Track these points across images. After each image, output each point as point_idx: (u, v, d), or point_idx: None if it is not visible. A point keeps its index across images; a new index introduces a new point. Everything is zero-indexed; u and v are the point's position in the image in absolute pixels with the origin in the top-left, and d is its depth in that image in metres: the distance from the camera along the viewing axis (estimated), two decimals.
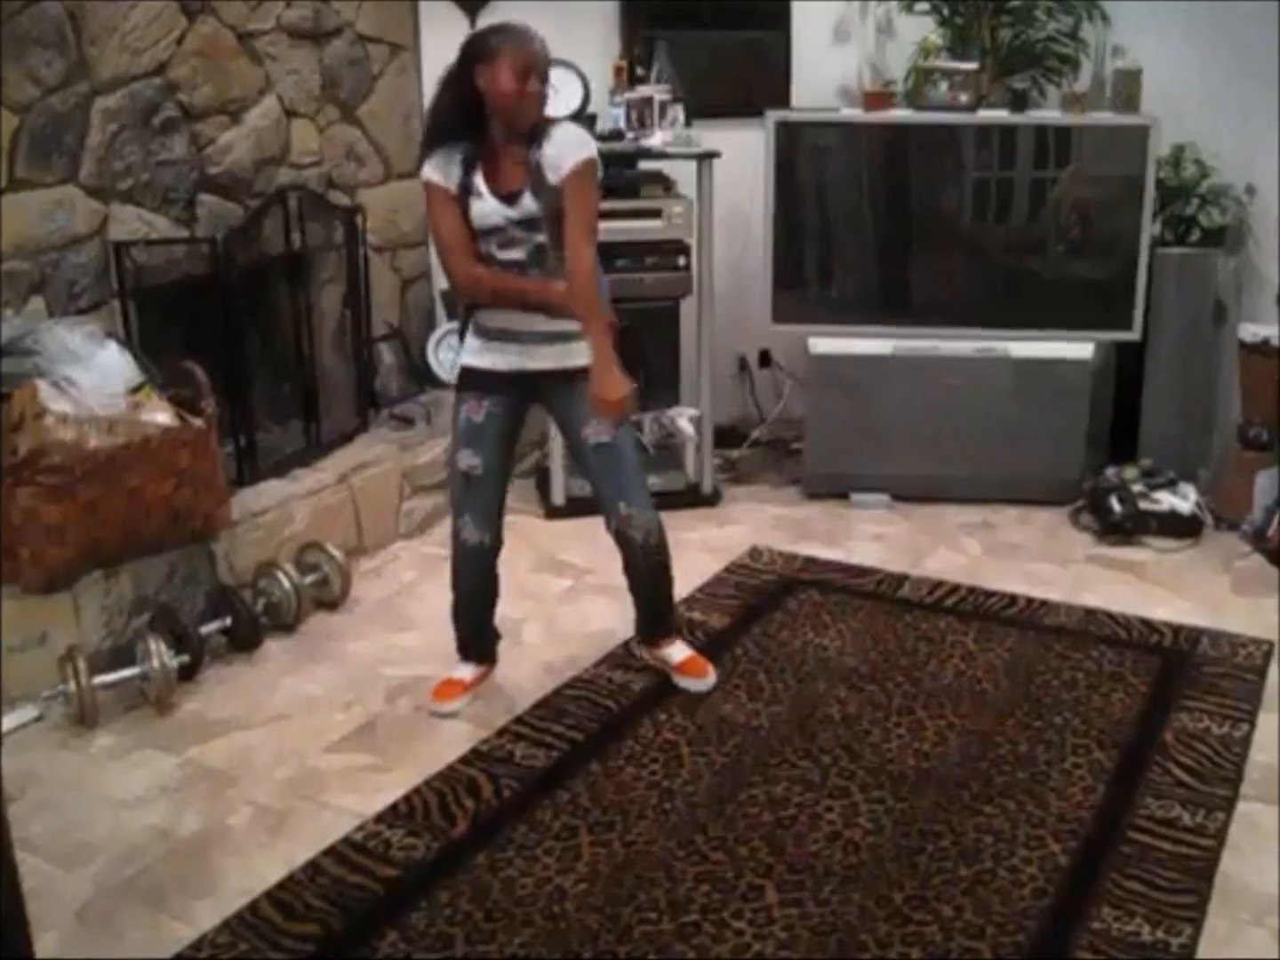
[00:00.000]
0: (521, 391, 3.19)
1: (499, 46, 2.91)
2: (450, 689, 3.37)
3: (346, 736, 3.26)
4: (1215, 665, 3.55)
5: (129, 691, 3.37)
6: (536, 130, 2.98)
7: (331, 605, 3.96)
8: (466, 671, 3.42)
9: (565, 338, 3.07)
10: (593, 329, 2.95)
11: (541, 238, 3.01)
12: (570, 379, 3.10)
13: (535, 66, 2.92)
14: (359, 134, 4.81)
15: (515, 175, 3.00)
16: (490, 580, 3.38)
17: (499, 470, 3.25)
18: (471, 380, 3.19)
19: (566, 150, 2.95)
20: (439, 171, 3.04)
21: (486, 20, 4.94)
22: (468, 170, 3.01)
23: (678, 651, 3.44)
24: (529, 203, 2.98)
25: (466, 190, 3.01)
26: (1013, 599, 3.97)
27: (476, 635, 3.44)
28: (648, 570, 3.33)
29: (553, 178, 2.95)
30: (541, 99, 2.97)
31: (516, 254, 3.04)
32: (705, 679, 3.40)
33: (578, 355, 3.05)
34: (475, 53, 2.94)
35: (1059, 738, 3.18)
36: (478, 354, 3.17)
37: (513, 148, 3.00)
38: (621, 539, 3.27)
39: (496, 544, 3.31)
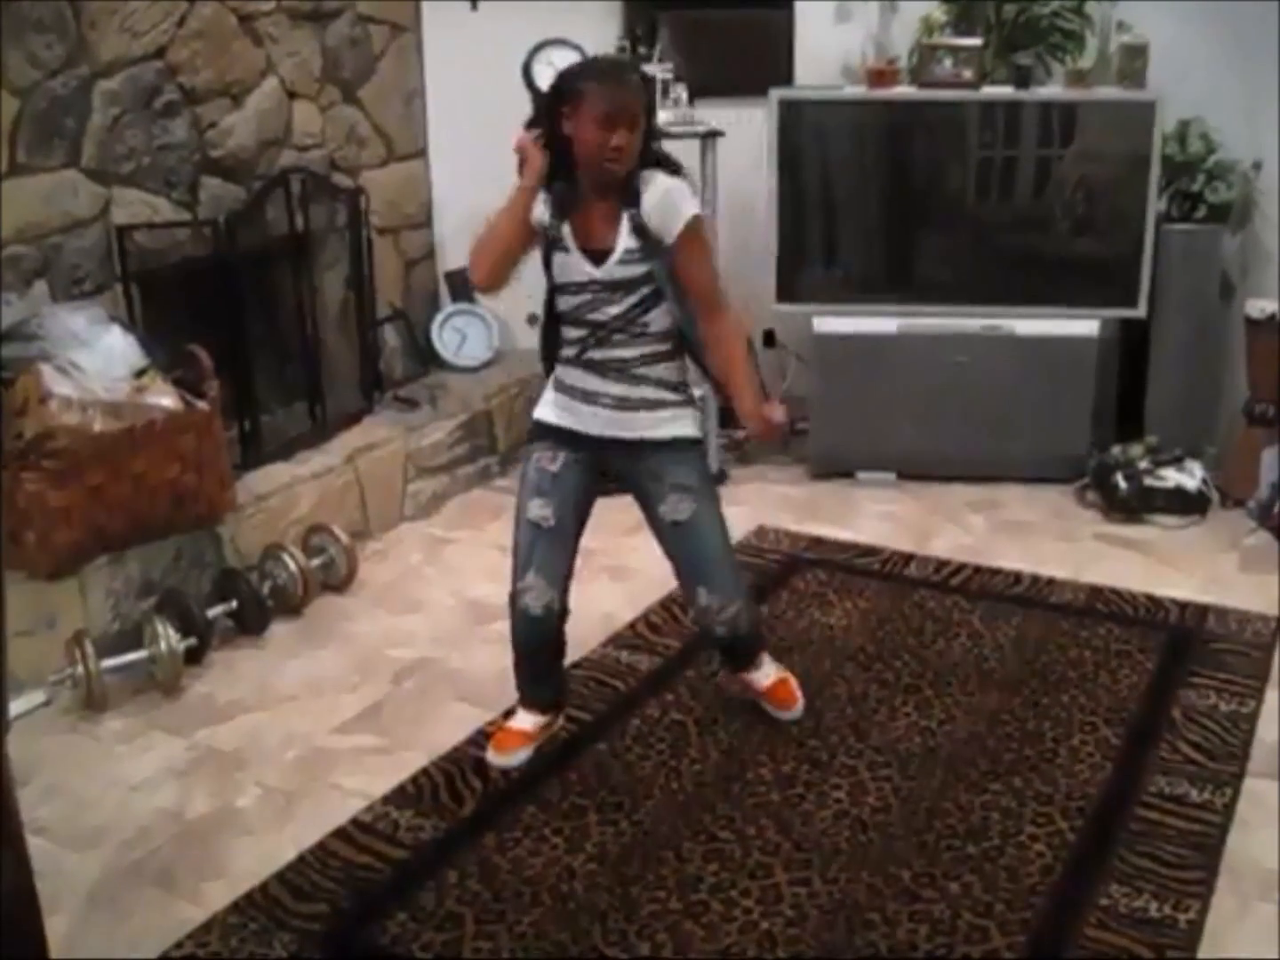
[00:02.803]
0: (595, 454, 2.86)
1: (583, 90, 2.59)
2: (510, 740, 3.02)
3: (354, 718, 3.26)
4: (1222, 642, 3.55)
5: (136, 675, 3.37)
6: (629, 182, 2.65)
7: (337, 588, 3.97)
8: (529, 721, 3.04)
9: (640, 405, 2.79)
10: (741, 373, 2.79)
11: (633, 299, 2.69)
12: (642, 451, 2.81)
13: (622, 115, 2.57)
14: (361, 115, 4.79)
15: (604, 232, 2.68)
16: (557, 643, 2.98)
17: (573, 526, 2.88)
18: (544, 433, 2.88)
19: (670, 210, 2.65)
20: (536, 209, 2.75)
21: (488, 1, 4.95)
22: (558, 217, 2.71)
23: (764, 676, 3.16)
24: (617, 268, 2.67)
25: (552, 239, 2.72)
26: (1019, 577, 3.97)
27: (540, 687, 3.06)
28: (735, 653, 3.13)
29: (666, 240, 2.65)
30: (629, 152, 2.60)
31: (600, 315, 2.72)
32: (793, 709, 3.16)
33: (654, 426, 2.80)
34: (561, 93, 2.64)
35: (1066, 715, 3.18)
36: (552, 409, 2.87)
37: (603, 201, 2.68)
38: (702, 631, 3.05)
39: (563, 611, 2.90)
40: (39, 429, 3.26)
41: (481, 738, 3.12)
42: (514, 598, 2.89)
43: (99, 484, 3.35)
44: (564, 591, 2.89)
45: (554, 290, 2.78)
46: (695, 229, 2.67)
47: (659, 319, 2.74)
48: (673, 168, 2.71)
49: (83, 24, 3.63)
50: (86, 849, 2.73)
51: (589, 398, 2.80)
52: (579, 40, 4.53)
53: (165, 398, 3.52)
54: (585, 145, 2.60)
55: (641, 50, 4.81)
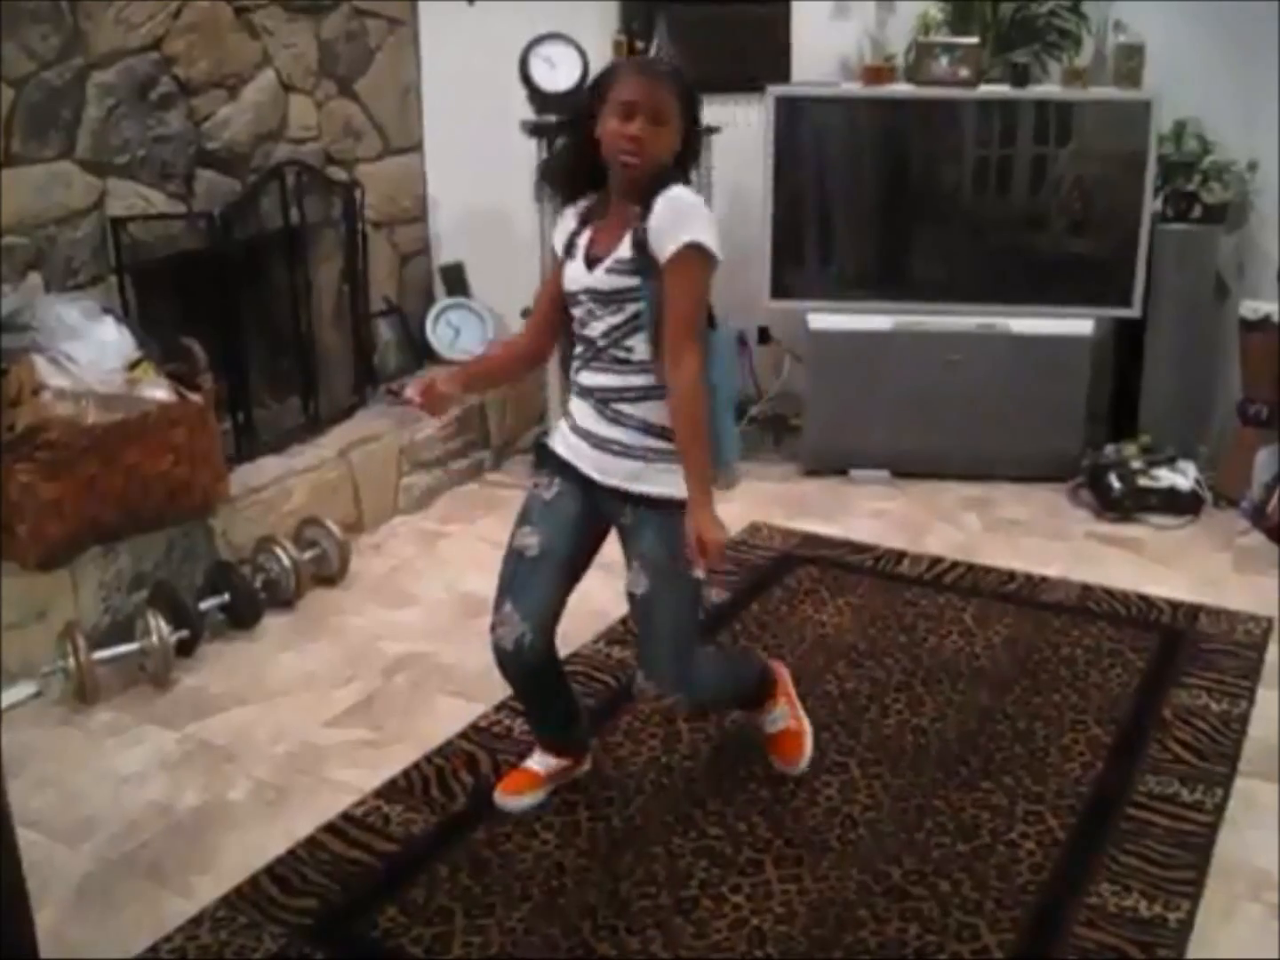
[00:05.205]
0: (589, 491, 2.59)
1: (608, 80, 2.42)
2: (519, 782, 2.85)
3: (345, 712, 3.26)
4: (1214, 642, 3.55)
5: (128, 667, 3.37)
6: (651, 192, 2.39)
7: (330, 581, 3.96)
8: (542, 764, 2.86)
9: (619, 450, 2.51)
10: (689, 454, 2.41)
11: (618, 318, 2.44)
12: (619, 501, 2.54)
13: (641, 104, 2.35)
14: (356, 109, 4.79)
15: (609, 239, 2.44)
16: (548, 682, 2.76)
17: (559, 561, 2.61)
18: (546, 458, 2.67)
19: (668, 226, 2.36)
20: (557, 229, 2.57)
21: None
22: (581, 226, 2.52)
23: (769, 722, 2.93)
24: (605, 276, 2.43)
25: (568, 249, 2.52)
26: (1011, 575, 3.97)
27: (544, 728, 2.88)
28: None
29: (660, 258, 2.37)
30: (650, 147, 2.36)
31: (592, 331, 2.49)
32: (796, 764, 2.93)
33: (631, 477, 2.51)
34: (595, 88, 2.46)
35: (1057, 714, 3.18)
36: (558, 435, 2.65)
37: (624, 206, 2.44)
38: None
39: (543, 644, 2.63)
40: (32, 420, 3.25)
41: (473, 731, 3.12)
42: (491, 629, 2.66)
43: (92, 476, 3.34)
44: (542, 628, 2.62)
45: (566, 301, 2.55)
46: (688, 257, 2.36)
47: (642, 346, 2.45)
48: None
49: (78, 15, 3.62)
50: (76, 841, 2.72)
51: (580, 433, 2.57)
52: (575, 35, 4.53)
53: (159, 390, 3.52)
54: (606, 137, 2.39)
55: (639, 45, 4.81)
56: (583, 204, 2.54)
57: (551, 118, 4.42)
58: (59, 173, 3.65)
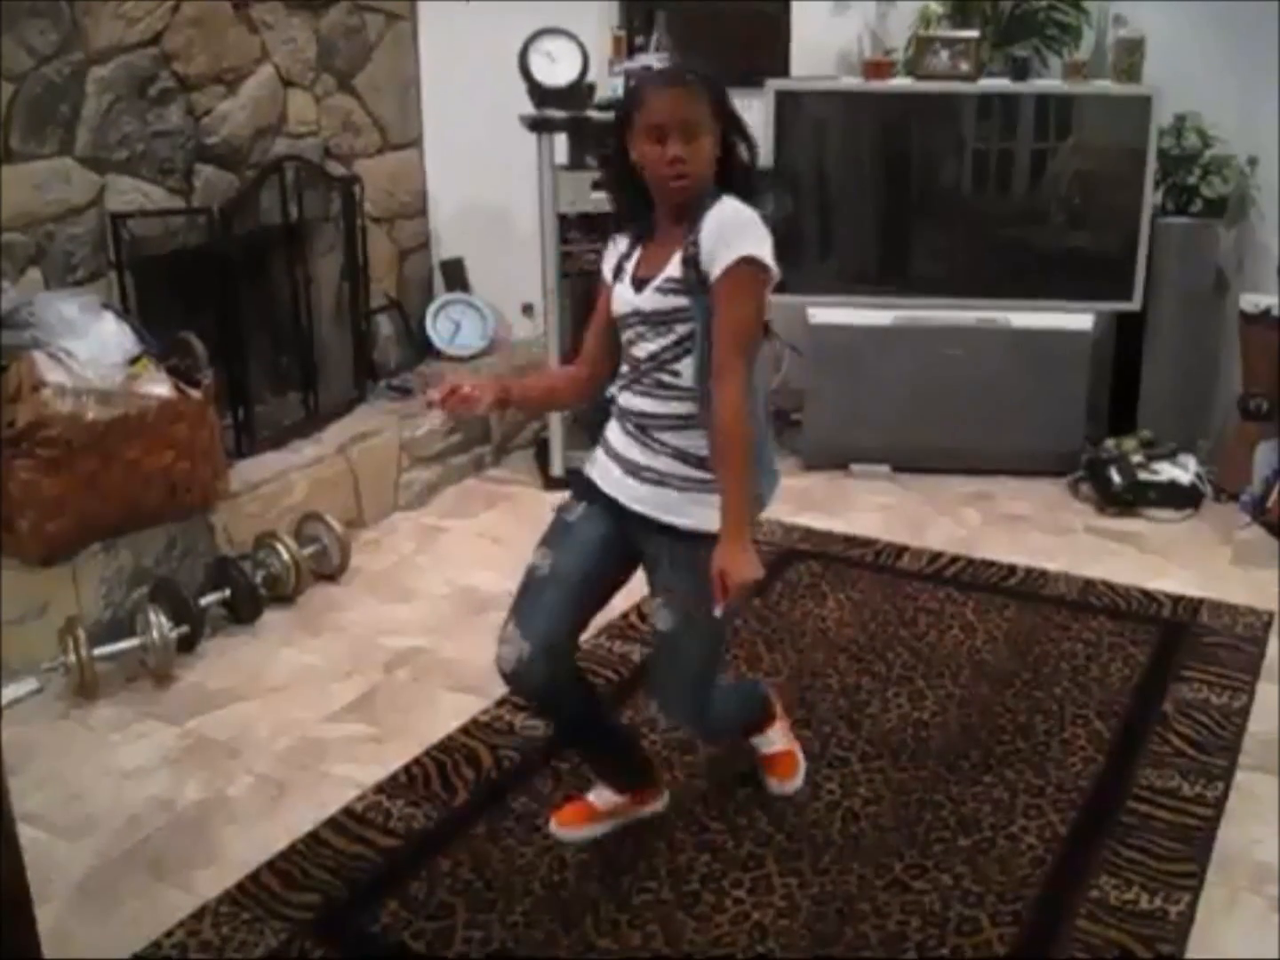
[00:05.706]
0: (617, 516, 2.45)
1: (632, 104, 2.30)
2: (573, 814, 2.73)
3: (346, 707, 3.26)
4: (1214, 636, 3.55)
5: (129, 663, 3.37)
6: (698, 207, 2.29)
7: (330, 576, 3.96)
8: (600, 798, 2.72)
9: (652, 478, 2.39)
10: (729, 477, 2.26)
11: (667, 339, 2.31)
12: (648, 529, 2.40)
13: (673, 122, 2.23)
14: (356, 104, 4.79)
15: (658, 259, 2.33)
16: (564, 704, 2.56)
17: (572, 584, 2.44)
18: (577, 483, 2.56)
19: (721, 241, 2.23)
20: (607, 252, 2.48)
21: None
22: (631, 249, 2.42)
23: (766, 743, 2.85)
24: (653, 296, 2.31)
25: (617, 272, 2.42)
26: (1012, 569, 3.97)
27: (591, 760, 2.76)
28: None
29: (711, 274, 2.24)
30: (695, 165, 2.25)
31: (639, 352, 2.37)
32: (787, 783, 2.86)
33: (662, 506, 2.38)
34: (623, 112, 2.33)
35: (1058, 708, 3.18)
36: (591, 461, 2.54)
37: (672, 225, 2.33)
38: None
39: (546, 666, 2.42)
40: (32, 417, 3.25)
41: (474, 726, 3.12)
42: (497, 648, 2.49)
43: (92, 472, 3.34)
44: (547, 649, 2.41)
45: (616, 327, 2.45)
46: (739, 272, 2.23)
47: (689, 371, 2.32)
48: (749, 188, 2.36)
49: (77, 11, 3.61)
50: (78, 837, 2.73)
51: (613, 455, 2.47)
52: (575, 30, 4.53)
53: (159, 386, 3.51)
54: (646, 164, 2.28)
55: (638, 41, 4.81)
56: (634, 228, 2.44)
57: (552, 113, 4.42)
58: (58, 169, 3.65)
